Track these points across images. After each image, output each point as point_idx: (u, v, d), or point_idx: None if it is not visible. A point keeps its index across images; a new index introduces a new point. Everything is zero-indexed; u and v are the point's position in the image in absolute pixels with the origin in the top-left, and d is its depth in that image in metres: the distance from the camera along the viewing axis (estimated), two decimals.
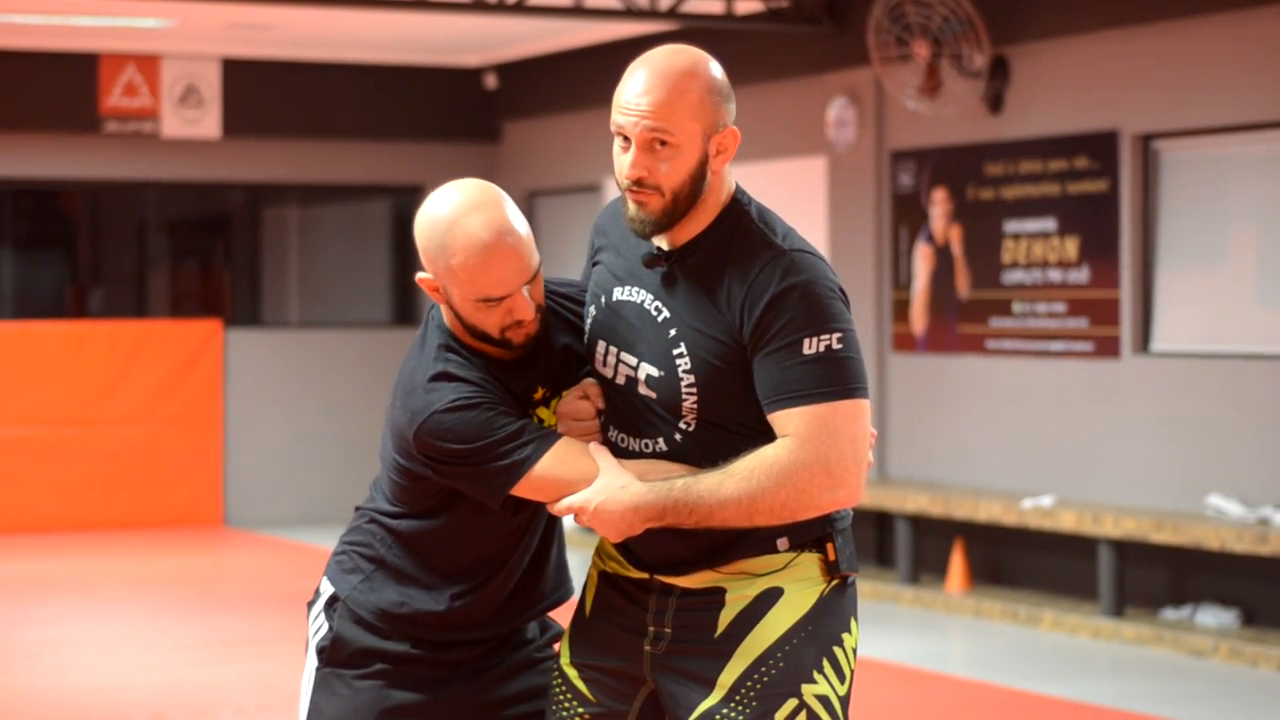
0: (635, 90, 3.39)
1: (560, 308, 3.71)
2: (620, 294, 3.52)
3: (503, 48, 15.08)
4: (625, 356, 3.49)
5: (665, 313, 3.45)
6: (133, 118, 14.71)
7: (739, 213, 3.45)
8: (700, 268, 3.43)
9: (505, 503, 3.55)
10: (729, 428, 3.42)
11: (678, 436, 3.45)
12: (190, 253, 16.64)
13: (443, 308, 3.63)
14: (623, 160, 3.42)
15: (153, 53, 14.70)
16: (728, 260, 3.40)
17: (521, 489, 3.49)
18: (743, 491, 3.34)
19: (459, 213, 3.52)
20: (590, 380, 3.60)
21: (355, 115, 15.46)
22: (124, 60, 14.68)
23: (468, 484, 3.53)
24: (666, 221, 3.43)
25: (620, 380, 3.51)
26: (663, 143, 3.38)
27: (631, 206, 3.43)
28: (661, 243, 3.49)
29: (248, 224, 16.25)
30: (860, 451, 3.37)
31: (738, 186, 3.50)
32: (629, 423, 3.51)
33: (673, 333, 3.43)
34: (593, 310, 3.58)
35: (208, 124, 14.92)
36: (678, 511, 3.36)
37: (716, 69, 3.44)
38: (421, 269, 3.62)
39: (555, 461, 3.46)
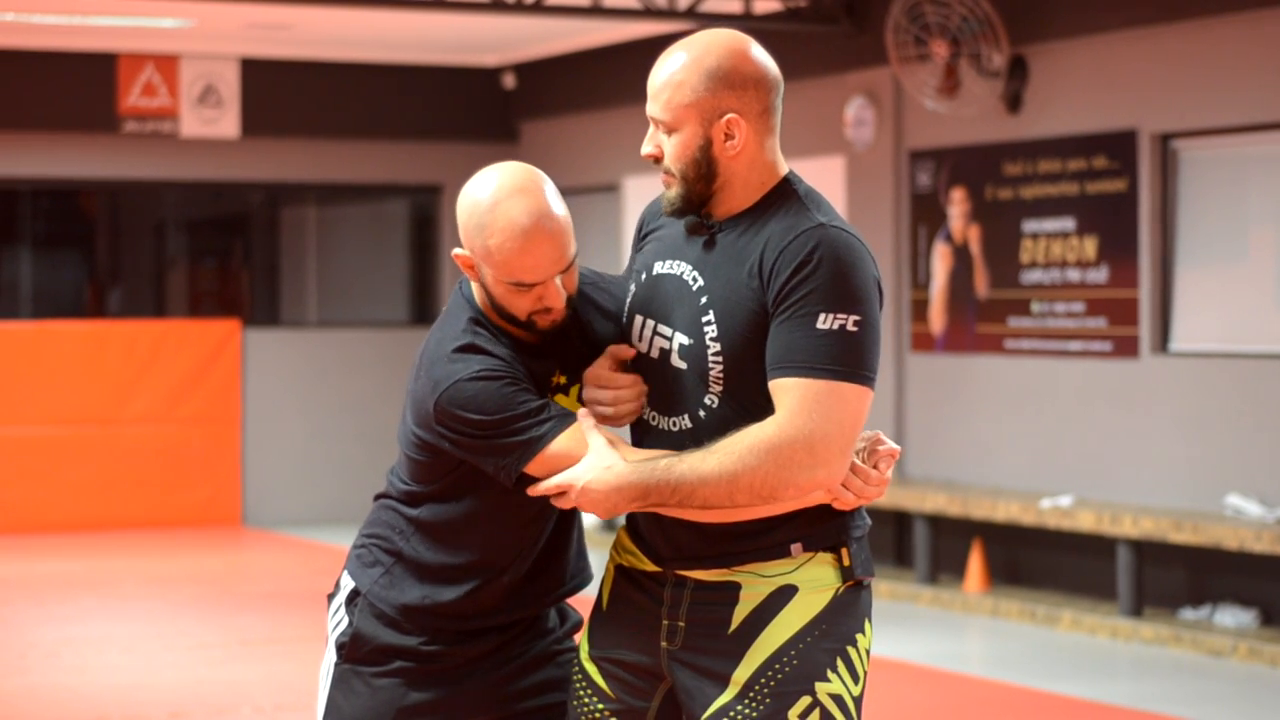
0: (652, 74, 3.52)
1: (589, 298, 3.71)
2: (661, 268, 3.54)
3: (521, 47, 15.09)
4: (661, 328, 3.50)
5: (700, 281, 3.45)
6: (151, 117, 14.74)
7: (786, 192, 3.46)
8: (739, 239, 3.44)
9: (527, 487, 3.54)
10: (753, 405, 3.39)
11: (702, 413, 3.43)
12: (209, 252, 16.67)
13: (474, 285, 3.64)
14: None
15: (171, 53, 14.73)
16: (766, 231, 3.41)
17: (534, 467, 3.48)
18: (723, 468, 3.31)
19: (502, 195, 3.56)
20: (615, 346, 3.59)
21: (373, 115, 15.47)
22: (143, 60, 14.70)
23: (483, 458, 3.52)
24: (685, 204, 3.48)
25: (654, 354, 3.51)
26: (662, 126, 3.47)
27: (663, 188, 3.53)
28: (706, 217, 3.51)
29: (266, 224, 16.27)
30: (848, 436, 3.33)
31: (791, 172, 3.51)
32: (660, 398, 3.50)
33: (704, 300, 3.43)
34: (633, 287, 3.60)
35: (226, 124, 14.95)
36: (660, 491, 3.34)
37: (732, 56, 3.46)
38: (459, 245, 3.63)
39: (572, 442, 3.46)
